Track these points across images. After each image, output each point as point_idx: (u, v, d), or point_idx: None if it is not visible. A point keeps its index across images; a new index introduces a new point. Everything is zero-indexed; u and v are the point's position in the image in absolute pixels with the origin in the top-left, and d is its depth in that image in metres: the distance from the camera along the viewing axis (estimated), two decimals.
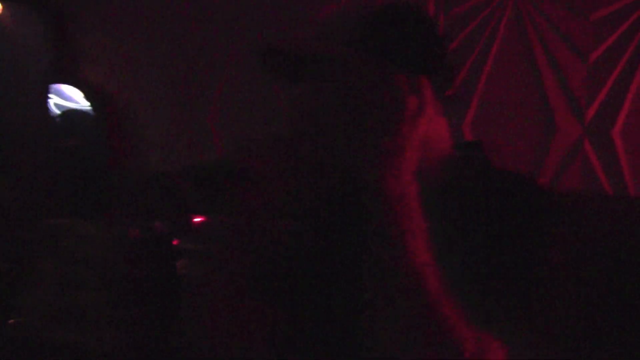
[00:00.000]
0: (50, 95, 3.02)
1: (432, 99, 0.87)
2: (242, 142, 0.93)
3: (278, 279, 1.00)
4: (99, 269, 2.52)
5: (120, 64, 3.06)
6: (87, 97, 2.94)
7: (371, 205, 0.81)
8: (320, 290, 0.98)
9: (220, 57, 2.95)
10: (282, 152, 0.92)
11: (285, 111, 0.97)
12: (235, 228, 0.95)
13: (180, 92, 3.02)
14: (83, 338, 2.30)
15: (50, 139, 2.86)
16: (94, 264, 2.52)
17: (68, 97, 3.05)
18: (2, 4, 2.86)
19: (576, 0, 2.62)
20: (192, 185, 0.92)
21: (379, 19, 0.92)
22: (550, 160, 2.64)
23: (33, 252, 2.58)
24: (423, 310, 0.76)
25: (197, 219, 2.46)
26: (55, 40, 3.06)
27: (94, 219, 2.68)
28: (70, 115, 2.99)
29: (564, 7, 2.63)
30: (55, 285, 2.45)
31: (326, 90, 0.91)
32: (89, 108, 3.02)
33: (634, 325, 1.01)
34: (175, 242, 2.45)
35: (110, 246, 2.60)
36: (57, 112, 2.98)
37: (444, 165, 0.94)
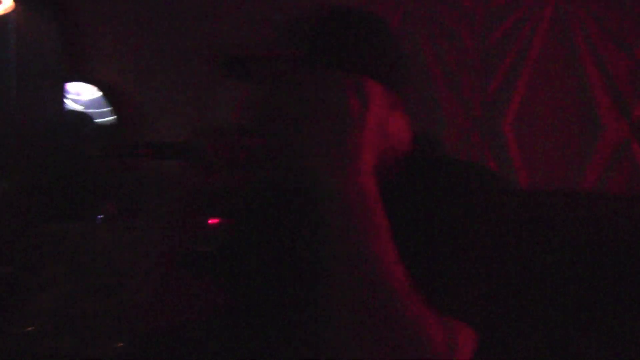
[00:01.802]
0: (65, 94, 2.96)
1: (381, 97, 0.87)
2: (200, 127, 0.97)
3: (219, 259, 1.07)
4: (109, 275, 2.44)
5: (134, 62, 2.98)
6: (104, 94, 2.87)
7: (329, 206, 0.80)
8: (259, 278, 1.03)
9: None
10: (234, 142, 0.95)
11: (237, 108, 1.01)
12: (176, 205, 1.01)
13: (196, 91, 2.92)
14: (91, 347, 2.21)
15: (57, 138, 2.79)
16: (105, 270, 2.44)
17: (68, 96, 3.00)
18: (14, 1, 2.82)
19: None
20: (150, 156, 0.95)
21: (328, 22, 0.95)
22: (596, 161, 2.50)
23: (41, 257, 2.50)
24: (391, 307, 0.75)
25: (212, 221, 2.33)
26: (69, 37, 3.01)
27: (105, 222, 2.60)
28: (72, 115, 2.93)
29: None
30: (65, 292, 2.37)
31: (278, 92, 0.93)
32: (86, 110, 2.98)
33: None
34: None
35: (122, 252, 2.52)
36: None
37: (404, 160, 0.98)
